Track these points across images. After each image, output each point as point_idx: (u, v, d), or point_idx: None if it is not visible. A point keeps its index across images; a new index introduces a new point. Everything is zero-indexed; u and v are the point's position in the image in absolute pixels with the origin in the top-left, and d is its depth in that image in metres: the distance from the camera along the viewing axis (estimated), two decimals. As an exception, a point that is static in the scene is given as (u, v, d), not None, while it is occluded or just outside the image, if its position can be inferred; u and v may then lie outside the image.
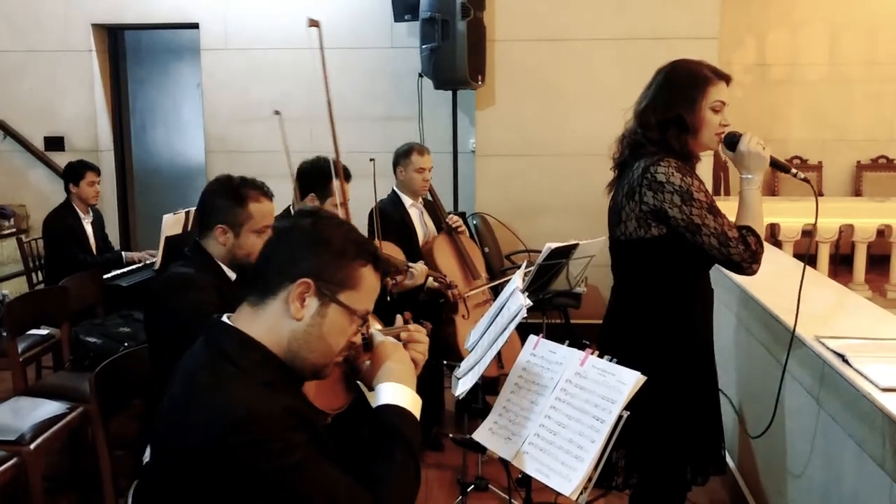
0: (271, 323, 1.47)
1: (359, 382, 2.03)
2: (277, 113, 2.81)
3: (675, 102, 2.19)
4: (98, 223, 5.09)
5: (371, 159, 3.41)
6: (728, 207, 2.23)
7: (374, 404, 1.68)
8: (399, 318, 2.10)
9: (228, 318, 1.50)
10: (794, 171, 2.24)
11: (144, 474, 1.96)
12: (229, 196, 2.46)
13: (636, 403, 1.79)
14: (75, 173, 4.89)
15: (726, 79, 2.24)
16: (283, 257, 1.48)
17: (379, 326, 2.17)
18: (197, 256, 2.47)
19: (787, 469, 2.75)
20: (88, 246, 4.90)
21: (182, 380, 1.46)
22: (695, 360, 2.30)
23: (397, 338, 2.03)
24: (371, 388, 1.87)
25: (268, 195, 2.56)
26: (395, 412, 1.63)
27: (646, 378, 1.79)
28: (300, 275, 1.45)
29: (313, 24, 2.76)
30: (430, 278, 3.86)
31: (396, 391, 1.66)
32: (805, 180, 2.26)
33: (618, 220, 2.27)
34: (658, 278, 2.24)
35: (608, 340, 2.23)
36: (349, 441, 1.88)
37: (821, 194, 7.29)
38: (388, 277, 3.79)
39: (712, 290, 2.36)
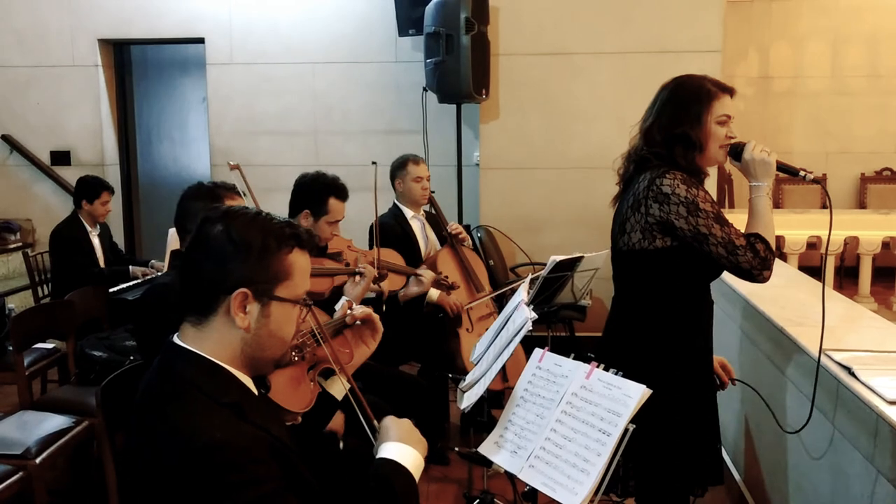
0: (220, 337, 1.46)
1: (319, 378, 2.15)
2: (236, 167, 2.76)
3: (680, 119, 2.20)
4: (105, 235, 5.13)
5: (373, 162, 3.40)
6: (733, 219, 2.23)
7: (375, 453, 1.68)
8: (344, 306, 2.23)
9: (178, 339, 1.49)
10: (802, 172, 2.23)
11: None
12: (205, 199, 2.52)
13: (638, 417, 1.79)
14: (90, 191, 4.91)
15: (730, 92, 2.24)
16: (211, 272, 1.45)
17: (325, 319, 2.27)
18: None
19: (793, 480, 2.74)
20: (96, 258, 4.94)
21: (146, 405, 1.45)
22: (694, 372, 2.30)
23: (344, 324, 2.18)
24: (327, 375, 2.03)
25: (240, 195, 2.63)
26: (391, 467, 1.61)
27: (651, 391, 1.79)
28: (234, 286, 1.43)
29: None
30: (434, 290, 3.87)
31: (399, 450, 1.65)
32: (815, 181, 2.26)
33: (621, 231, 2.27)
34: (659, 290, 2.24)
35: (609, 352, 2.23)
36: (318, 441, 1.91)
37: (824, 207, 7.30)
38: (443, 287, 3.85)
39: (712, 302, 2.36)
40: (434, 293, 3.89)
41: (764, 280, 2.17)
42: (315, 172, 3.38)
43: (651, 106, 2.29)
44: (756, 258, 2.12)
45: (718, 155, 2.24)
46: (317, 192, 3.29)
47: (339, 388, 2.10)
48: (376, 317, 2.16)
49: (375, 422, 1.80)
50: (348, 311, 2.21)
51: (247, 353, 1.48)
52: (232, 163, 2.83)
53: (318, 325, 2.00)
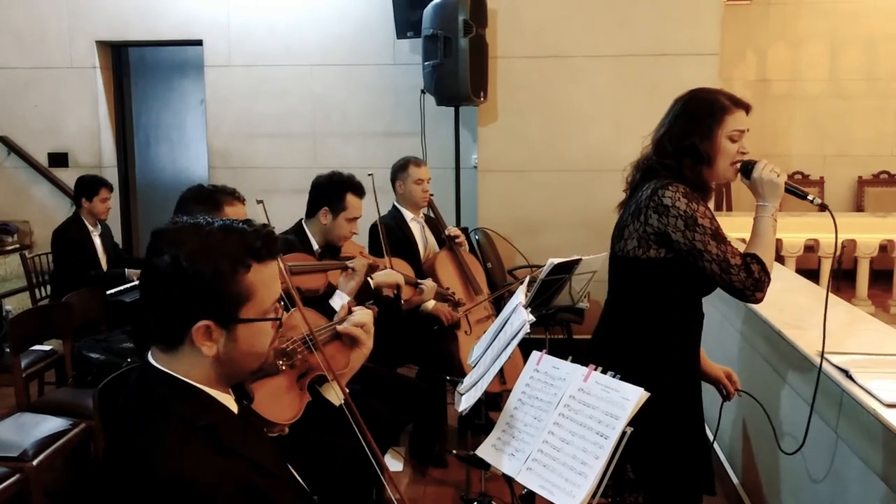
0: (190, 362, 1.40)
1: (315, 385, 2.03)
2: (260, 202, 2.82)
3: (691, 131, 2.19)
4: (106, 235, 5.14)
5: (370, 174, 3.41)
6: (731, 223, 2.23)
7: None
8: (344, 308, 2.13)
9: (152, 358, 1.42)
10: (810, 196, 2.22)
11: None
12: (205, 202, 2.52)
13: (653, 429, 1.78)
14: (89, 189, 4.92)
15: (745, 108, 2.23)
16: (168, 307, 1.36)
17: (322, 322, 2.18)
18: None
19: (791, 484, 2.74)
20: (97, 259, 4.96)
21: (121, 427, 1.40)
22: (678, 382, 2.27)
23: (334, 335, 2.06)
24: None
25: (240, 199, 2.64)
26: None
27: (648, 395, 1.79)
28: (195, 319, 1.35)
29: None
30: (437, 298, 3.88)
31: None
32: (823, 206, 2.24)
33: (619, 236, 2.27)
34: (648, 299, 2.23)
35: (597, 354, 2.22)
36: (306, 446, 1.85)
37: (822, 209, 7.30)
38: (448, 303, 3.86)
39: (703, 315, 2.34)
40: (430, 303, 3.90)
41: (756, 301, 2.15)
42: (331, 172, 3.42)
43: (665, 116, 2.29)
44: (749, 279, 2.11)
45: (728, 172, 2.22)
46: (334, 189, 3.32)
47: (334, 394, 2.00)
48: (359, 333, 2.03)
49: (368, 432, 1.76)
50: (348, 313, 2.12)
51: (220, 373, 1.43)
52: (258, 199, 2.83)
53: (311, 330, 1.90)
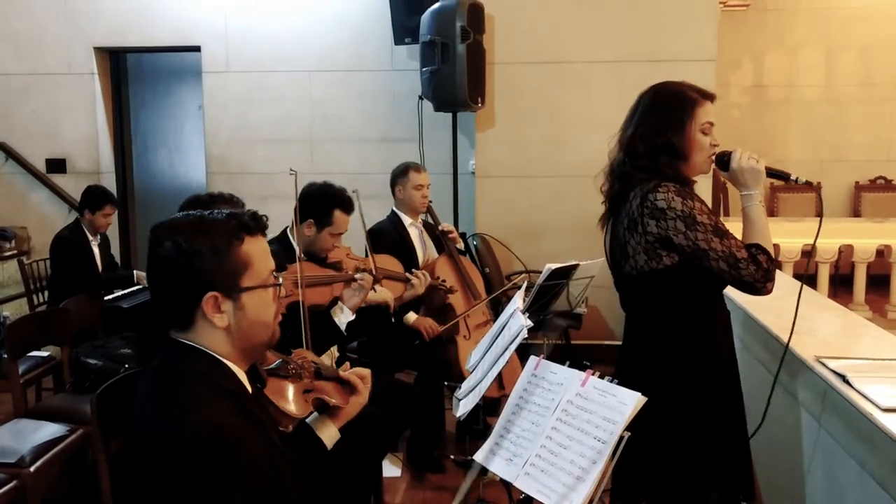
0: (208, 338, 1.53)
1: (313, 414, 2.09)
2: (293, 172, 2.84)
3: (663, 127, 2.13)
4: (105, 245, 5.15)
5: (354, 191, 3.38)
6: (729, 228, 2.22)
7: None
8: (346, 365, 2.24)
9: (174, 335, 1.55)
10: (793, 176, 2.17)
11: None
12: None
13: (663, 433, 1.75)
14: (94, 201, 4.93)
15: (711, 97, 2.18)
16: (175, 288, 1.51)
17: (327, 364, 2.29)
18: None
19: (788, 489, 2.74)
20: (95, 266, 4.96)
21: (151, 395, 1.50)
22: (717, 384, 2.23)
23: (337, 377, 2.15)
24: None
25: (239, 205, 2.63)
26: None
27: (647, 399, 1.77)
28: (201, 294, 1.49)
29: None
30: (412, 314, 3.90)
31: None
32: (807, 183, 2.18)
33: (624, 255, 2.19)
34: (674, 307, 2.17)
35: (629, 376, 2.15)
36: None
37: (819, 215, 7.32)
38: (442, 292, 3.86)
39: (728, 311, 2.31)
40: (411, 316, 3.90)
41: (767, 292, 2.10)
42: (323, 182, 3.37)
43: (630, 116, 2.22)
44: (759, 271, 2.06)
45: (704, 165, 2.18)
46: (323, 203, 3.28)
47: (328, 434, 2.01)
48: (358, 382, 2.11)
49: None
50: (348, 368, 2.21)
51: (237, 346, 1.55)
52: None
53: (334, 364, 2.09)
